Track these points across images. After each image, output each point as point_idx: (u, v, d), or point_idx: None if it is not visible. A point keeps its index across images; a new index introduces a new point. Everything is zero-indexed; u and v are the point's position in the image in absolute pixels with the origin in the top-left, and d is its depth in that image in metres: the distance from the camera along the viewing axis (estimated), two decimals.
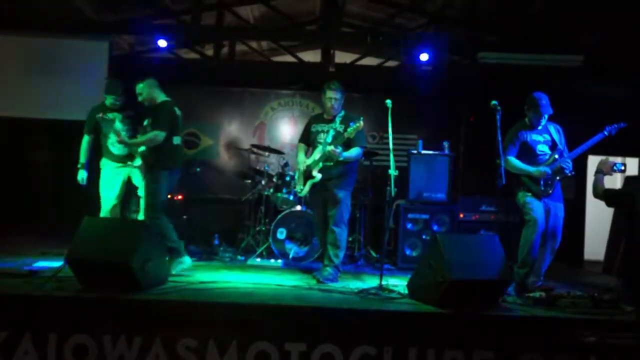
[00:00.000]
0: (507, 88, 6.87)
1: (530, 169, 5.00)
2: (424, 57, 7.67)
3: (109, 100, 5.79)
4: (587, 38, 7.43)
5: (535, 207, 4.94)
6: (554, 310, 4.24)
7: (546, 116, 5.02)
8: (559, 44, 7.53)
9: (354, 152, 5.29)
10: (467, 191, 7.16)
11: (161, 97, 5.42)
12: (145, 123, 5.39)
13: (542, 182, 4.97)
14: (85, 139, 5.87)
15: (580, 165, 5.02)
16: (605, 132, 4.94)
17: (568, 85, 7.21)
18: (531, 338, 3.85)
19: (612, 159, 5.00)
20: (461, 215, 6.46)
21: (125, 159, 5.82)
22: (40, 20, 7.51)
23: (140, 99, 5.40)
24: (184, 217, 6.33)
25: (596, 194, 4.84)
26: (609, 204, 4.94)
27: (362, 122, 5.10)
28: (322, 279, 5.17)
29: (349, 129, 5.10)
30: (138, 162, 5.65)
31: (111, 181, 5.79)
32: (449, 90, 8.19)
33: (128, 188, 5.89)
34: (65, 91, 5.65)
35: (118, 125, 5.71)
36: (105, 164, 5.84)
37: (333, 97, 5.39)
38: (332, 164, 5.30)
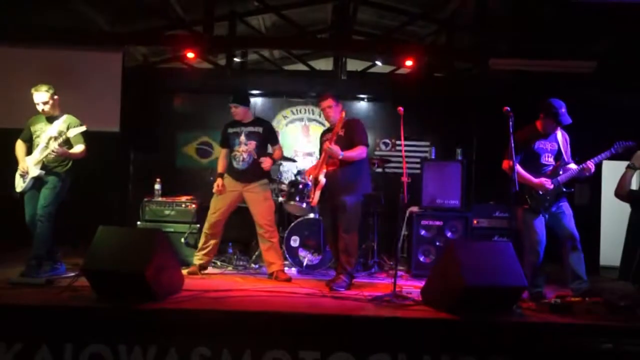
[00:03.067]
0: (519, 94, 6.84)
1: (531, 178, 4.94)
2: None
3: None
4: (599, 45, 7.38)
5: (536, 226, 4.88)
6: (569, 316, 4.21)
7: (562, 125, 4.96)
8: (571, 51, 7.48)
9: (356, 150, 5.32)
10: (481, 197, 7.12)
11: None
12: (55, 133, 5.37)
13: (541, 195, 4.91)
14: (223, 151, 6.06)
15: (594, 172, 4.96)
16: (613, 151, 4.87)
17: (581, 91, 7.15)
18: (546, 344, 3.83)
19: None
20: (475, 222, 6.43)
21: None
22: (54, 32, 7.60)
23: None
24: (197, 225, 6.36)
25: (618, 193, 4.69)
26: (633, 206, 4.82)
27: (343, 114, 5.26)
28: (335, 286, 5.17)
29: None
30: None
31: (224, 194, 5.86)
32: (461, 97, 8.18)
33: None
34: (80, 103, 5.63)
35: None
36: (225, 177, 5.91)
37: (325, 107, 5.54)
38: (334, 168, 5.34)
